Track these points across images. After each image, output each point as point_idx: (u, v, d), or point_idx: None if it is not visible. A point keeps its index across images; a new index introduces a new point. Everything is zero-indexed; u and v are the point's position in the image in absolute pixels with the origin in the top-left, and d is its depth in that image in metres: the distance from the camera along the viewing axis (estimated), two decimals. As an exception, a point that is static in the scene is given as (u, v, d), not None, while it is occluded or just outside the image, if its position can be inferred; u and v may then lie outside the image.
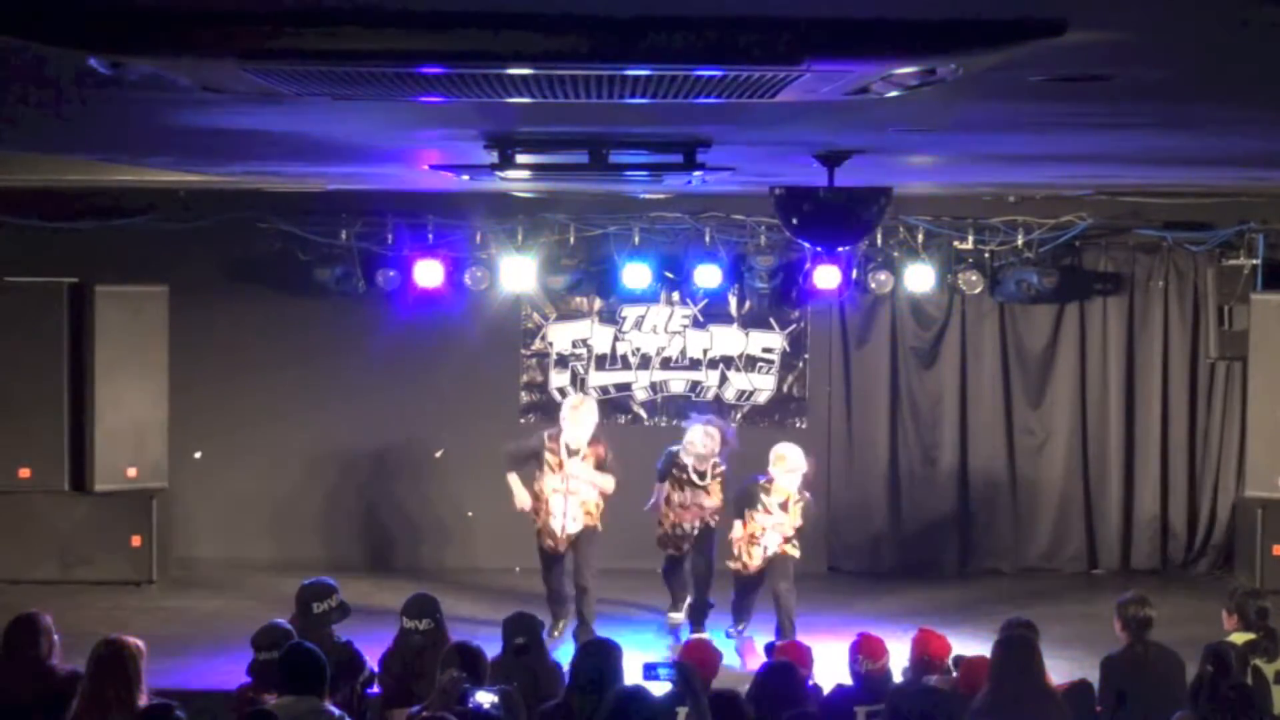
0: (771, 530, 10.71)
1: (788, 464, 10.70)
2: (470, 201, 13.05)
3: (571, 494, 10.85)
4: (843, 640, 7.98)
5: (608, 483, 10.89)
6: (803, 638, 9.43)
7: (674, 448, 11.17)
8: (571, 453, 10.87)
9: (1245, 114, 5.84)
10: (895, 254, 13.28)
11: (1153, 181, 11.36)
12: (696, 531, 11.08)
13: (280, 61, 4.02)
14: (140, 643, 6.89)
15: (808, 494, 10.85)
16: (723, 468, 11.08)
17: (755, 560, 10.77)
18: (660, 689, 6.45)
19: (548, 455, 10.88)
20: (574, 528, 10.87)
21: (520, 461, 11.04)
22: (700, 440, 10.97)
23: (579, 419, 10.86)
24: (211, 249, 13.36)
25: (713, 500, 11.04)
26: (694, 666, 6.94)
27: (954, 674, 7.72)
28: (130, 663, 6.73)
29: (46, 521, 12.92)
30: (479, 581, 12.19)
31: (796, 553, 10.84)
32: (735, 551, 10.85)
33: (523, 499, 10.95)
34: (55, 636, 7.37)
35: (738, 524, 10.83)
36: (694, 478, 11.00)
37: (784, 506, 10.71)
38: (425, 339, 13.48)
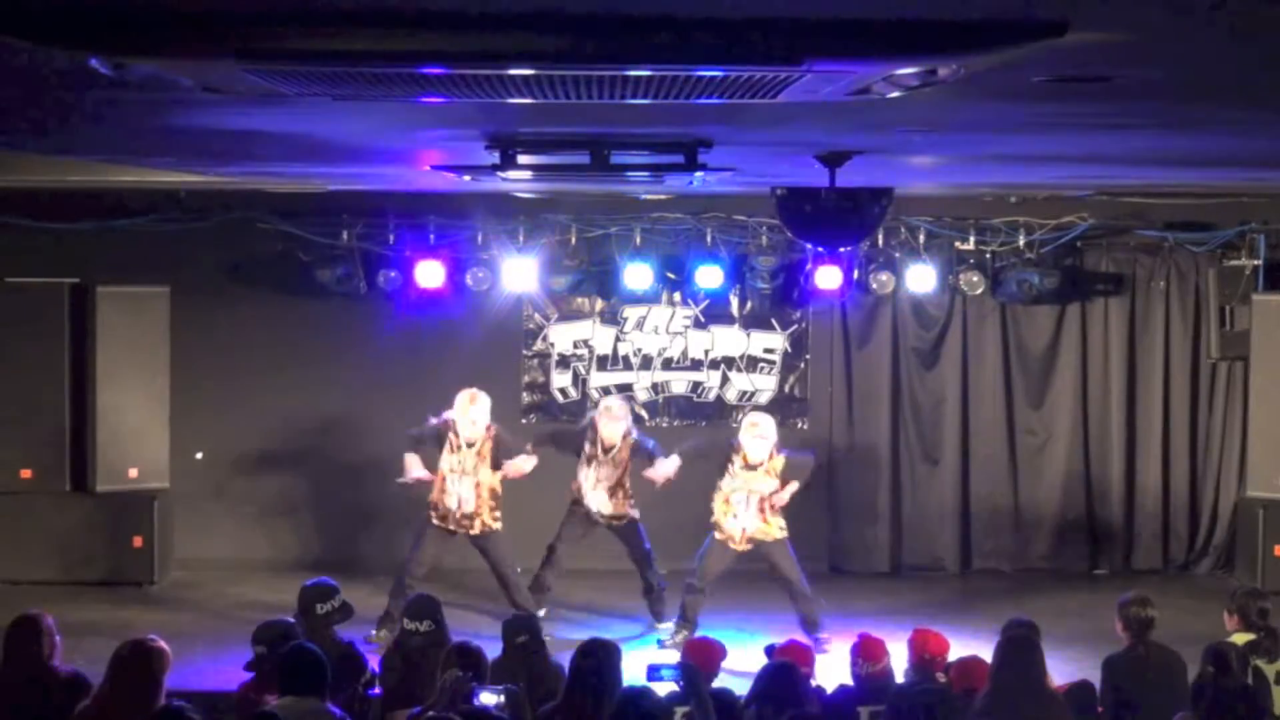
0: (744, 494, 10.80)
1: (759, 430, 10.88)
2: (471, 202, 13.05)
3: (466, 474, 11.07)
4: (844, 640, 7.99)
5: (526, 464, 11.14)
6: (802, 637, 9.44)
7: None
8: (468, 445, 11.10)
9: (1246, 114, 5.84)
10: (896, 254, 13.29)
11: (1154, 182, 11.36)
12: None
13: (281, 62, 4.03)
14: (165, 646, 6.85)
15: (783, 451, 10.97)
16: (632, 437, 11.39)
17: (733, 528, 10.83)
18: (664, 689, 6.47)
19: (450, 436, 11.12)
20: (468, 508, 11.07)
21: (418, 443, 11.28)
22: (617, 405, 11.47)
23: (471, 414, 11.09)
24: (213, 250, 13.36)
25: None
26: (697, 666, 6.94)
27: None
28: (155, 665, 6.72)
29: (47, 522, 12.91)
30: (479, 582, 12.16)
31: (780, 530, 10.91)
32: (715, 517, 10.93)
33: (414, 471, 11.19)
34: (56, 637, 7.36)
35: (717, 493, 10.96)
36: (600, 451, 11.32)
37: (753, 466, 10.84)
38: (426, 340, 13.48)
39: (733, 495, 10.86)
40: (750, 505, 10.84)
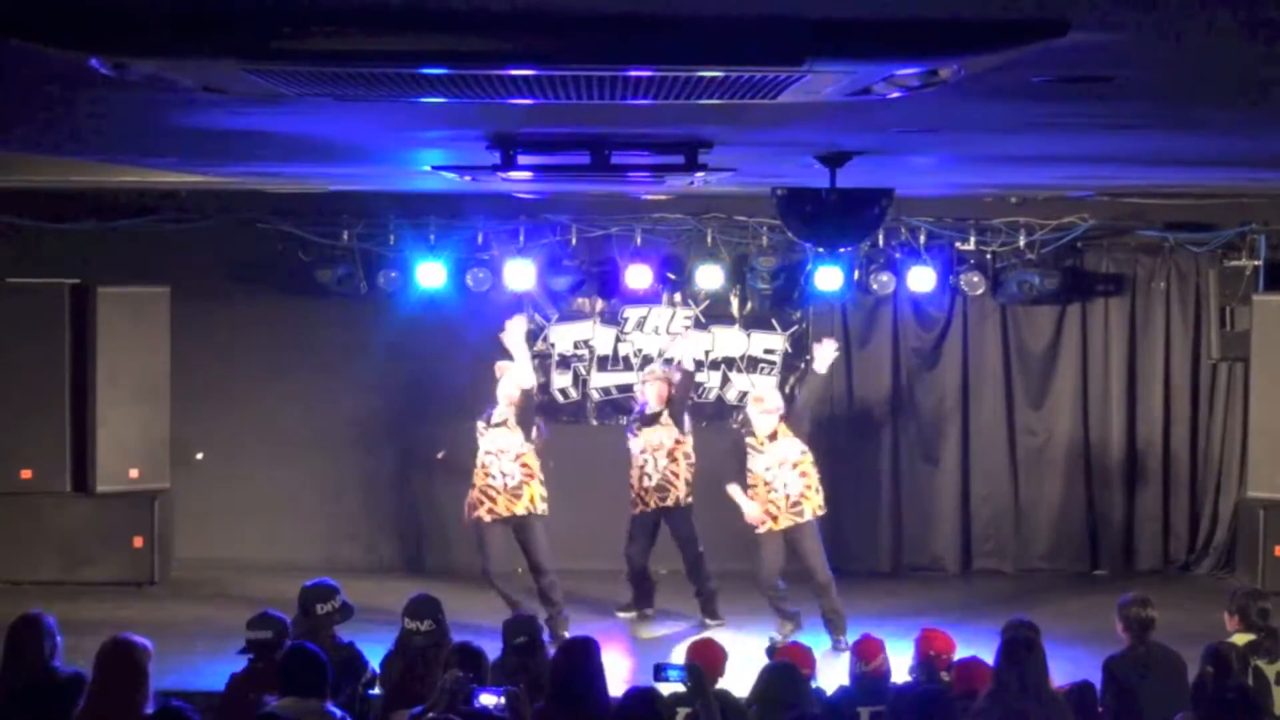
0: (776, 468, 10.81)
1: (764, 405, 10.95)
2: (472, 203, 13.05)
3: (503, 452, 11.03)
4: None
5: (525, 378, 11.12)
6: (804, 638, 9.44)
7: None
8: (495, 425, 11.10)
9: (1246, 114, 5.84)
10: (897, 255, 13.28)
11: (1154, 182, 11.36)
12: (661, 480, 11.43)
13: (282, 62, 4.03)
14: (148, 642, 6.88)
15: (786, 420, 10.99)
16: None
17: (777, 498, 10.82)
18: (669, 690, 6.47)
19: (479, 425, 11.16)
20: (514, 480, 11.00)
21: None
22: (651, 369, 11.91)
23: (507, 389, 11.12)
24: (213, 250, 13.36)
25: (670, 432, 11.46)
26: (704, 668, 6.94)
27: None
28: (138, 657, 6.73)
29: (48, 522, 12.92)
30: (479, 581, 12.17)
31: (819, 508, 10.93)
32: (758, 515, 10.88)
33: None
34: (58, 637, 7.36)
35: (736, 488, 10.92)
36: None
37: (772, 437, 10.84)
38: (427, 340, 13.47)
39: (766, 473, 10.86)
40: (786, 470, 10.85)
